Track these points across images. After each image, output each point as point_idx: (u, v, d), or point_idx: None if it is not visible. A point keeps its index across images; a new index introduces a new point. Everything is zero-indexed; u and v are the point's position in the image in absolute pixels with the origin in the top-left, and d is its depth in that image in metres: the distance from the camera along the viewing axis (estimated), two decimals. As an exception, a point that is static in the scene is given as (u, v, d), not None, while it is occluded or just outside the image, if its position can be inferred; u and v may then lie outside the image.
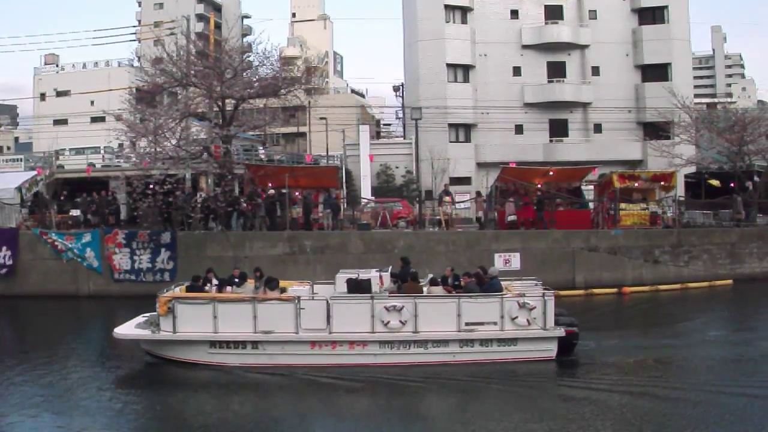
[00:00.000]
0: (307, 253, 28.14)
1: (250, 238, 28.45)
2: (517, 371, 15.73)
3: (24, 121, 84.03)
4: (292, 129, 65.38)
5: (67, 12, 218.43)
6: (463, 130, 46.84)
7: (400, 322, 16.04)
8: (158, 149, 28.22)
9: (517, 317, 16.14)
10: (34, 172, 35.20)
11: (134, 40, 75.73)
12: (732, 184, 34.82)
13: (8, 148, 76.19)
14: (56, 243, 27.95)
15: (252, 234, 28.77)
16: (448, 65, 46.38)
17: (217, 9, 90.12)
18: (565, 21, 47.32)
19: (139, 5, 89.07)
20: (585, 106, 47.26)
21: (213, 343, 16.39)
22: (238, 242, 28.05)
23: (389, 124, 76.59)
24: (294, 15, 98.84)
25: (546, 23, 47.30)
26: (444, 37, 46.23)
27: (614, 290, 27.49)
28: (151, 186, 28.09)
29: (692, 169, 39.99)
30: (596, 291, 27.37)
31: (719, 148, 36.00)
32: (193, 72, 29.88)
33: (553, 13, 47.59)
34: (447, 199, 31.51)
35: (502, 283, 17.23)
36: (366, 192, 39.14)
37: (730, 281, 28.87)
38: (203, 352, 16.44)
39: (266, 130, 47.05)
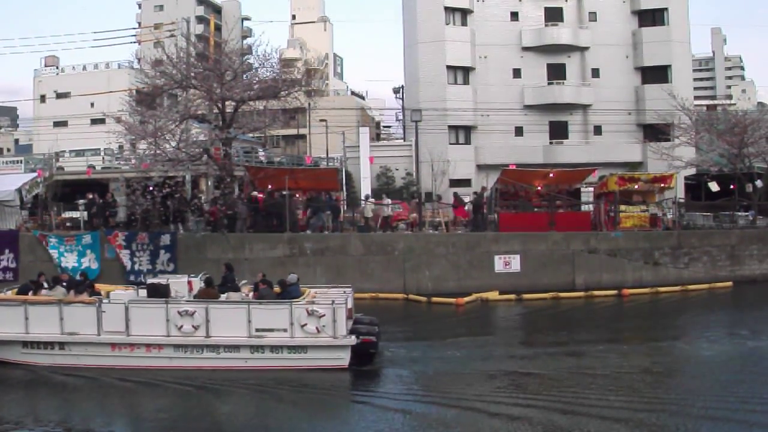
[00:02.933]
0: (307, 255, 28.14)
1: (250, 240, 28.44)
2: (303, 379, 15.57)
3: (24, 123, 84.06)
4: (292, 131, 65.42)
5: (67, 14, 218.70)
6: (463, 132, 46.82)
7: (193, 326, 16.20)
8: (158, 151, 28.22)
9: (306, 324, 16.01)
10: (35, 174, 35.17)
11: (134, 42, 75.76)
12: (732, 186, 34.84)
13: (8, 150, 76.21)
14: (52, 254, 27.90)
15: (252, 236, 28.75)
16: (448, 67, 46.36)
17: (217, 11, 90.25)
18: (565, 23, 47.30)
19: (139, 7, 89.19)
20: (585, 108, 47.24)
21: (25, 344, 16.80)
22: (237, 244, 28.04)
23: (389, 126, 76.66)
24: (294, 17, 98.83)
25: (546, 25, 47.29)
26: (444, 39, 46.22)
27: (614, 292, 27.48)
28: (151, 188, 28.12)
29: (692, 171, 40.00)
30: (596, 293, 27.36)
31: (719, 150, 36.03)
32: (193, 74, 29.90)
33: (553, 15, 47.58)
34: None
35: (310, 290, 17.54)
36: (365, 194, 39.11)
37: (730, 283, 28.87)
38: (17, 352, 16.88)
39: (266, 132, 46.96)
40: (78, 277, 20.86)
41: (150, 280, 18.30)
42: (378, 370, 16.51)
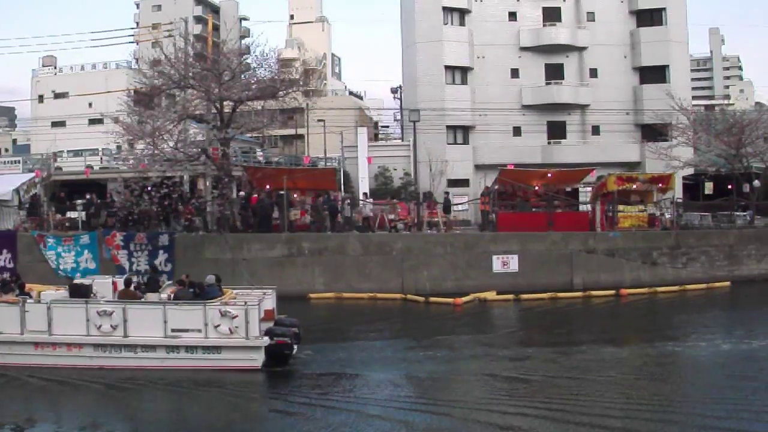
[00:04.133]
0: (305, 255, 28.13)
1: (248, 240, 28.44)
2: (212, 379, 15.73)
3: (22, 123, 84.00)
4: (290, 131, 65.32)
5: (64, 14, 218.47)
6: (461, 132, 46.81)
7: (111, 326, 16.45)
8: (156, 151, 28.19)
9: (219, 325, 16.18)
10: (32, 174, 35.17)
11: (132, 42, 75.53)
12: (729, 186, 34.88)
13: (6, 150, 76.04)
14: (48, 255, 27.89)
15: (250, 236, 28.75)
16: (446, 67, 46.34)
17: (215, 11, 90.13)
18: (563, 23, 47.31)
19: (137, 7, 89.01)
20: (583, 108, 47.24)
21: None
22: (236, 244, 28.03)
23: (387, 126, 76.50)
24: (292, 17, 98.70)
25: (544, 25, 47.29)
26: (442, 39, 46.21)
27: (612, 292, 27.48)
28: (149, 188, 28.09)
29: (690, 171, 40.02)
30: (594, 293, 27.36)
31: (717, 150, 36.04)
32: (191, 74, 29.86)
33: (551, 15, 47.58)
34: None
35: (232, 291, 17.77)
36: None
37: (728, 283, 28.89)
38: None
39: (264, 132, 46.98)
40: (7, 278, 20.98)
41: (76, 281, 18.76)
42: (292, 371, 16.64)
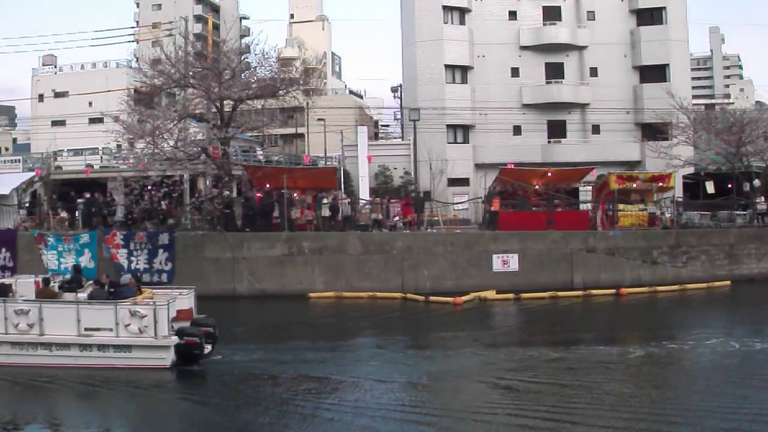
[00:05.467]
0: (305, 254, 28.13)
1: (248, 239, 28.44)
2: (120, 377, 15.96)
3: (22, 122, 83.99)
4: (291, 130, 65.32)
5: (65, 13, 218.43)
6: (461, 131, 46.79)
7: (28, 325, 16.69)
8: (156, 150, 28.19)
9: (129, 325, 16.45)
10: (32, 173, 35.18)
11: (132, 41, 75.61)
12: (730, 186, 34.87)
13: (6, 149, 76.06)
14: (49, 256, 27.88)
15: (250, 235, 28.76)
16: (446, 66, 46.32)
17: (216, 10, 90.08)
18: (563, 22, 47.27)
19: (137, 6, 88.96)
20: (583, 107, 47.22)
21: None
22: (236, 243, 28.04)
23: (387, 125, 76.48)
24: (292, 16, 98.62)
25: (544, 24, 47.27)
26: (442, 38, 46.18)
27: (612, 291, 27.48)
28: (149, 187, 28.09)
29: (690, 170, 40.01)
30: (594, 292, 27.37)
31: (717, 149, 36.03)
32: (191, 73, 29.87)
33: (551, 14, 47.54)
34: None
35: (151, 290, 18.07)
36: (364, 193, 39.10)
37: (728, 282, 28.89)
38: None
39: (264, 131, 46.97)
40: None
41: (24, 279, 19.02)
42: (204, 370, 16.80)
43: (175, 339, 16.54)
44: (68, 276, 20.35)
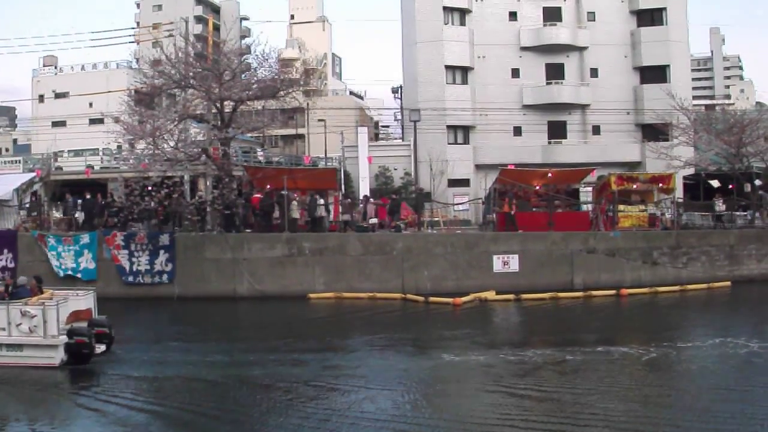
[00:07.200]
0: (306, 254, 28.13)
1: (248, 240, 28.44)
2: (21, 375, 16.20)
3: (22, 123, 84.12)
4: (291, 131, 65.38)
5: (65, 14, 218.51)
6: (461, 132, 46.82)
7: None
8: (156, 151, 28.19)
9: (20, 324, 16.92)
10: (33, 174, 35.22)
11: (133, 42, 75.71)
12: (730, 186, 34.87)
13: (7, 150, 76.17)
14: (50, 256, 27.89)
15: (251, 236, 28.76)
16: (447, 67, 46.36)
17: (216, 11, 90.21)
18: (564, 23, 47.31)
19: (138, 7, 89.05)
20: (583, 107, 47.26)
21: None
22: (236, 244, 28.04)
23: (388, 126, 76.53)
24: (293, 17, 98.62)
25: (544, 25, 47.31)
26: (442, 39, 46.22)
27: (612, 292, 27.46)
28: (149, 188, 28.09)
29: (691, 170, 40.02)
30: (594, 293, 27.34)
31: (717, 149, 36.02)
32: (191, 74, 29.85)
33: (552, 15, 47.59)
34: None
35: (51, 291, 18.38)
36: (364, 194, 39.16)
37: (728, 283, 28.87)
38: None
39: (265, 132, 47.08)
40: None
41: None
42: (93, 368, 16.97)
43: (64, 338, 16.93)
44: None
